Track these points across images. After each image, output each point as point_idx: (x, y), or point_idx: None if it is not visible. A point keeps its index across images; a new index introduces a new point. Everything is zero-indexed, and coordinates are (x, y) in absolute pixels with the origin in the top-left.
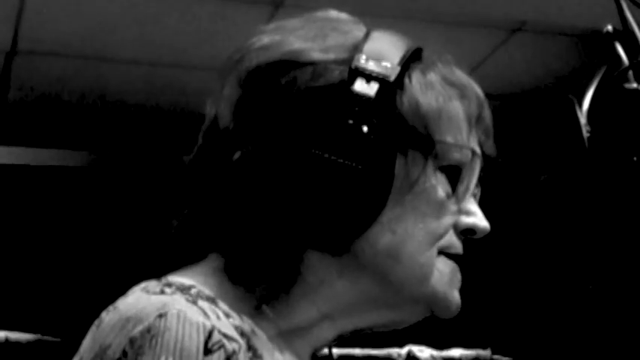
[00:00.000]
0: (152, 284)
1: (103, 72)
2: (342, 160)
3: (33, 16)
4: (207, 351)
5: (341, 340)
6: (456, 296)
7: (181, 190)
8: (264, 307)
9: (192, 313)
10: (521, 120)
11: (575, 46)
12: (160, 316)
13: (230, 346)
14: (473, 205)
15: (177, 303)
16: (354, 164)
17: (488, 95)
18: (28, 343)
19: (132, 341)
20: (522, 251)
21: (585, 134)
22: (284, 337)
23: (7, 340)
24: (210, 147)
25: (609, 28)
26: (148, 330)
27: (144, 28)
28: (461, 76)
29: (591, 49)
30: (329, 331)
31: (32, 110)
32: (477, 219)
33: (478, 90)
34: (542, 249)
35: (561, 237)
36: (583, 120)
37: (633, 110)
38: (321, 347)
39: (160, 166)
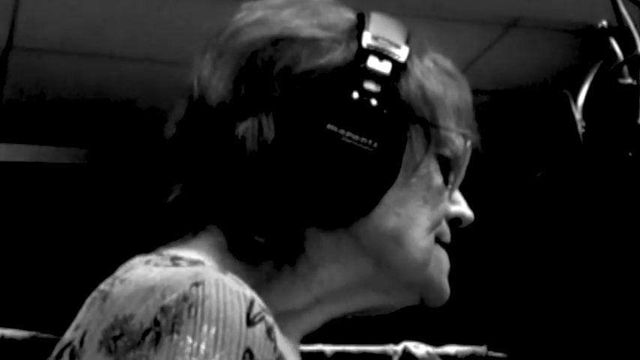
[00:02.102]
0: (156, 258)
1: (98, 68)
2: (357, 137)
3: (28, 12)
4: (250, 322)
5: (333, 333)
6: (447, 284)
7: (167, 165)
8: (264, 288)
9: (230, 282)
10: (516, 116)
11: (571, 41)
12: (197, 284)
13: (269, 318)
14: (458, 195)
15: (211, 272)
16: (369, 141)
17: (483, 91)
18: (24, 340)
19: (165, 310)
20: (518, 248)
21: (580, 130)
22: (278, 320)
23: (2, 338)
24: (201, 120)
25: (604, 23)
26: (185, 298)
27: (139, 25)
28: (450, 64)
29: (586, 44)
30: (318, 316)
31: (27, 107)
32: (464, 208)
33: (466, 80)
34: (538, 246)
35: (557, 234)
36: (578, 115)
37: (628, 105)
38: (309, 332)
39: (155, 162)
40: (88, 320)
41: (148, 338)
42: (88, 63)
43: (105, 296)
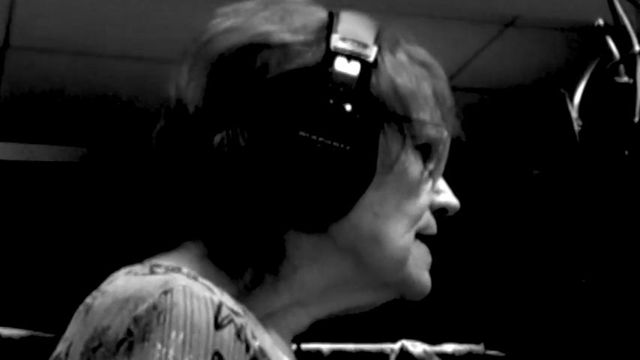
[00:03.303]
0: (137, 268)
1: (95, 67)
2: (330, 142)
3: (25, 11)
4: (218, 325)
5: (330, 331)
6: (427, 278)
7: (151, 175)
8: (245, 292)
9: (198, 288)
10: (512, 114)
11: (567, 40)
12: (165, 292)
13: (239, 320)
14: (442, 183)
15: (179, 279)
16: (342, 145)
17: (480, 90)
18: (21, 339)
19: (137, 320)
20: (515, 246)
21: (577, 128)
22: (264, 322)
23: (0, 337)
24: (179, 131)
25: (600, 22)
26: (154, 307)
27: (136, 24)
28: (424, 54)
29: (583, 43)
30: (303, 317)
31: (24, 106)
32: (449, 197)
33: (441, 68)
34: (535, 244)
35: (553, 232)
36: (574, 114)
37: (624, 104)
38: (298, 332)
39: (152, 161)
40: (73, 333)
41: (122, 348)
42: (85, 62)
43: (88, 309)
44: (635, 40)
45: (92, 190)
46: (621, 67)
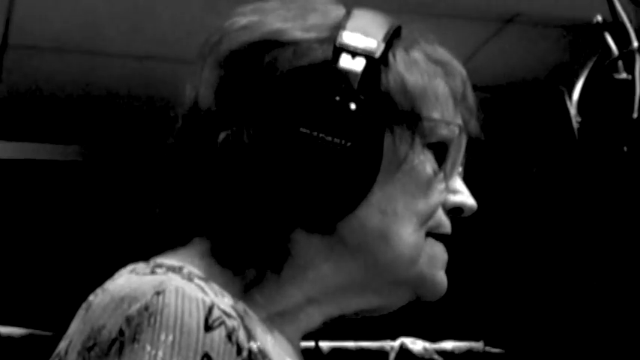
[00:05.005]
0: (140, 266)
1: (94, 65)
2: (330, 138)
3: (24, 9)
4: (208, 327)
5: (330, 329)
6: (442, 278)
7: (163, 173)
8: (252, 290)
9: (191, 290)
10: (512, 111)
11: (566, 37)
12: (158, 293)
13: (230, 323)
14: (459, 184)
15: (174, 280)
16: (343, 142)
17: (479, 87)
18: (21, 337)
19: (129, 320)
20: (514, 244)
21: (575, 125)
22: (273, 321)
23: None
24: (192, 129)
25: (599, 18)
26: (146, 307)
27: (135, 22)
28: (443, 53)
29: (581, 40)
30: (315, 316)
31: (23, 104)
32: (465, 197)
33: (461, 67)
34: (534, 242)
35: (553, 229)
36: (573, 110)
37: (623, 100)
38: (310, 331)
39: (152, 159)
40: (73, 330)
41: (114, 348)
42: (84, 60)
43: (88, 307)
44: (633, 36)
45: (91, 188)
46: (620, 63)
